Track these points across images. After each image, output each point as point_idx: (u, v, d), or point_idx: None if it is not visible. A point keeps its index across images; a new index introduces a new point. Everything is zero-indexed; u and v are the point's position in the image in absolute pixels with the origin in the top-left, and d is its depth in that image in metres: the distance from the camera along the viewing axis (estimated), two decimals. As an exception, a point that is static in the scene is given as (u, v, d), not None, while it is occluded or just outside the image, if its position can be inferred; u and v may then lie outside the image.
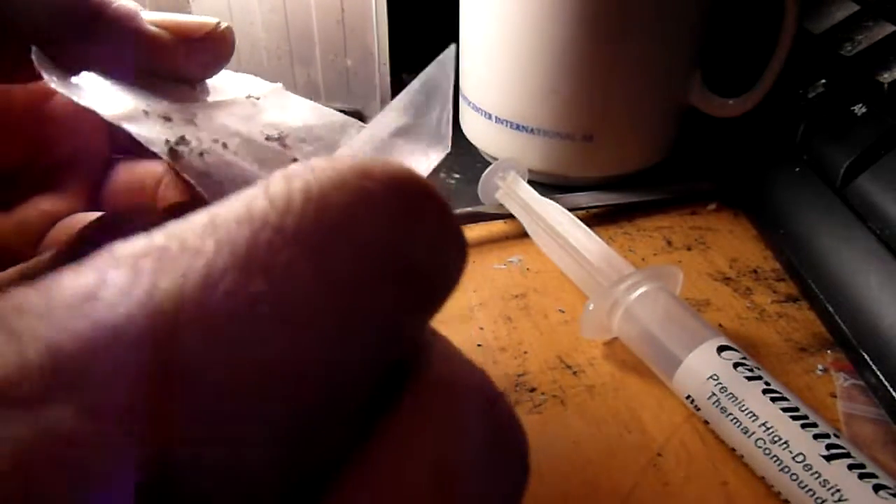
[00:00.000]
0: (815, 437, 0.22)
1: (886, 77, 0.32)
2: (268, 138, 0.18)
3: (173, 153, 0.15)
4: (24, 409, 0.07)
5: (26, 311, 0.07)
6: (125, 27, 0.18)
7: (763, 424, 0.22)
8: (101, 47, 0.18)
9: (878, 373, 0.26)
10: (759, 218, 0.36)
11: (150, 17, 0.19)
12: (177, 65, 0.19)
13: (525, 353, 0.28)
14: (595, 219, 0.36)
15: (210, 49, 0.19)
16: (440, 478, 0.09)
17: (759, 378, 0.24)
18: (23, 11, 0.17)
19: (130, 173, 0.23)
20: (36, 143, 0.22)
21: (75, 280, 0.08)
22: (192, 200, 0.16)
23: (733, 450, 0.24)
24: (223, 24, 0.20)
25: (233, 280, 0.08)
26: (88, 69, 0.17)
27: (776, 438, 0.22)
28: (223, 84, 0.20)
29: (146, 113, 0.16)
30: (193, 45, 0.19)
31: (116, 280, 0.08)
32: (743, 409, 0.23)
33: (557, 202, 0.33)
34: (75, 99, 0.16)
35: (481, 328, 0.29)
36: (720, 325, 0.29)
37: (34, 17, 0.17)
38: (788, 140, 0.35)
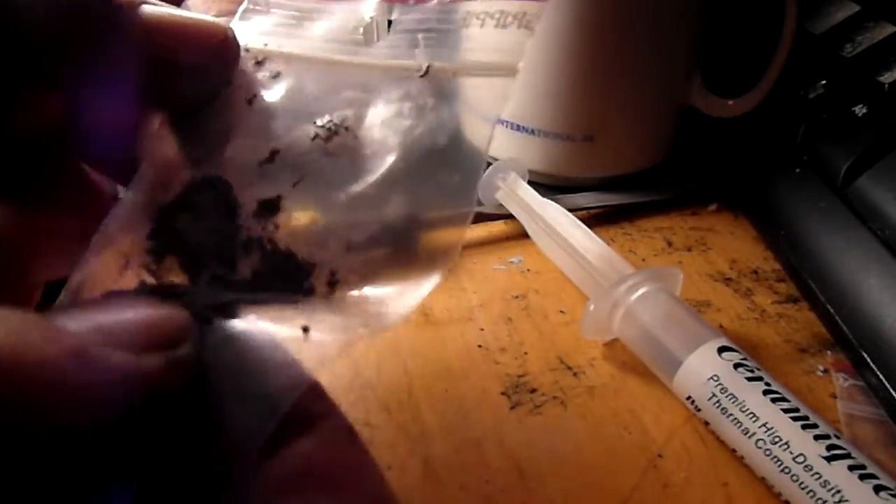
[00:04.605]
0: (816, 437, 0.22)
1: (887, 78, 0.32)
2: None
3: None
4: None
5: None
6: (129, 26, 0.15)
7: (764, 425, 0.22)
8: (103, 50, 0.15)
9: (879, 373, 0.26)
10: (759, 219, 0.36)
11: (150, 11, 0.16)
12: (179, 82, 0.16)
13: (525, 353, 0.28)
14: (595, 219, 0.36)
15: (220, 59, 0.17)
16: None
17: (760, 379, 0.24)
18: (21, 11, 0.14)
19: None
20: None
21: None
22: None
23: (734, 451, 0.24)
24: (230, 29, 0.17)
25: None
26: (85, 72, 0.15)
27: (777, 439, 0.22)
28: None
29: None
30: (202, 53, 0.16)
31: None
32: (743, 409, 0.23)
33: (558, 203, 0.33)
34: None
35: (482, 329, 0.29)
36: (721, 326, 0.29)
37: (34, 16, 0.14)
38: (789, 141, 0.35)
